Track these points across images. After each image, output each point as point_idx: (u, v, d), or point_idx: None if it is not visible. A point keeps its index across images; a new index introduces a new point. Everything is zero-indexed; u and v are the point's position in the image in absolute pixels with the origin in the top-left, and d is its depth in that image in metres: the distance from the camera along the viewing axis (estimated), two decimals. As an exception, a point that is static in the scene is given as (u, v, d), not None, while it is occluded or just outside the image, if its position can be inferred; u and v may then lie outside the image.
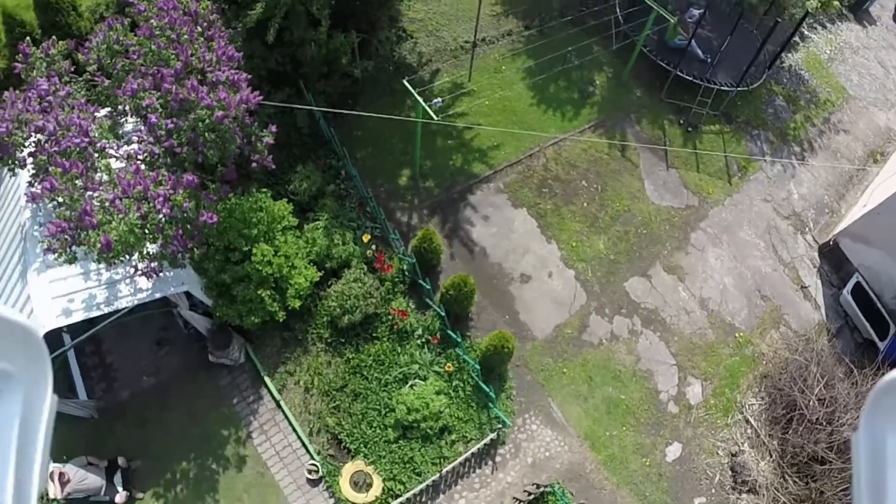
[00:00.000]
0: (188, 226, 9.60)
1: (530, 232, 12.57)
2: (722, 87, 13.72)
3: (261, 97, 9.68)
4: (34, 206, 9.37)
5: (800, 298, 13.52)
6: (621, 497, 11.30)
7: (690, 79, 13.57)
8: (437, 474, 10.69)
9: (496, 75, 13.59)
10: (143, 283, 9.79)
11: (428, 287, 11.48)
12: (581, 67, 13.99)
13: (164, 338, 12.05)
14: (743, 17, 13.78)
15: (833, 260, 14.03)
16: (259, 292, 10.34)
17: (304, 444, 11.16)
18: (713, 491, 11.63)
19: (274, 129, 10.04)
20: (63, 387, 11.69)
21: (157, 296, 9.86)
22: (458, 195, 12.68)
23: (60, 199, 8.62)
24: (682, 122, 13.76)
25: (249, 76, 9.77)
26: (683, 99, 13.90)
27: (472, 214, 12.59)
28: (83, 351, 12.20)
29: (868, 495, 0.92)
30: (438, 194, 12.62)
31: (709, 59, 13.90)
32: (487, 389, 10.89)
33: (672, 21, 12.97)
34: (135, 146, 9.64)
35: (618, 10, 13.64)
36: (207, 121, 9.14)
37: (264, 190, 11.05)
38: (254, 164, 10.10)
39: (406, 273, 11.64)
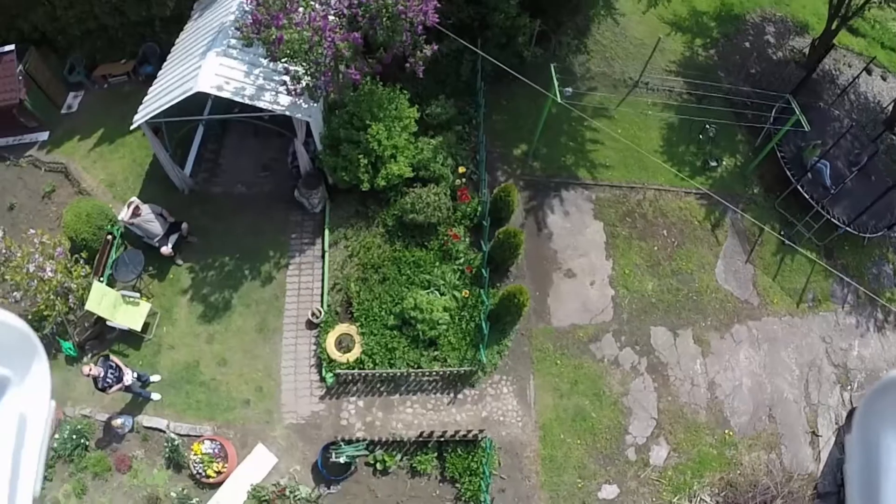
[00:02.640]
0: (339, 74, 11.65)
1: (596, 243, 13.31)
2: (833, 221, 13.73)
3: (437, 19, 11.56)
4: (238, 13, 11.80)
5: (805, 441, 13.33)
6: (537, 497, 11.64)
7: (808, 198, 13.76)
8: (405, 372, 11.71)
9: (640, 115, 14.62)
10: (283, 99, 11.87)
11: (487, 226, 12.59)
12: (715, 142, 14.49)
13: (270, 165, 14.15)
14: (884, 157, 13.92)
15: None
16: (360, 157, 12.12)
17: (322, 293, 12.76)
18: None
19: (435, 47, 11.86)
20: (178, 157, 14.12)
21: (287, 113, 11.90)
22: (554, 184, 13.74)
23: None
24: (782, 232, 13.86)
25: (438, 4, 11.67)
26: (794, 214, 13.91)
27: (557, 204, 13.55)
28: (208, 141, 14.60)
29: (861, 495, 0.92)
30: (539, 175, 13.72)
31: (832, 189, 14.00)
32: (485, 331, 11.79)
33: (814, 144, 13.55)
34: (333, 1, 11.83)
35: (773, 111, 14.34)
36: (391, 9, 11.12)
37: (405, 92, 12.93)
38: (407, 65, 11.96)
39: (476, 213, 12.85)
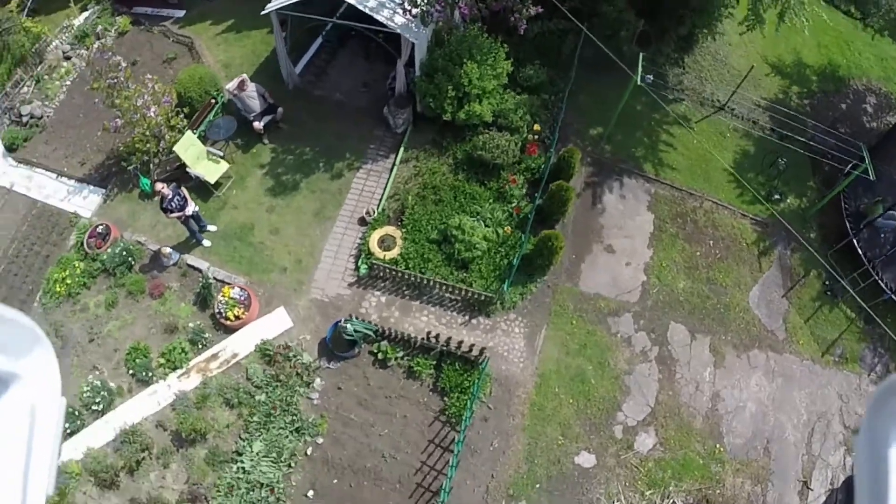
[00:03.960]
0: (452, 7, 12.78)
1: (643, 230, 13.58)
2: (881, 284, 13.47)
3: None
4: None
5: (794, 489, 13.01)
6: (516, 437, 11.81)
7: (861, 254, 13.64)
8: (432, 282, 12.34)
9: (718, 135, 14.99)
10: (398, 19, 13.08)
11: (545, 180, 13.10)
12: (784, 179, 14.56)
13: (370, 84, 15.31)
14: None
15: (848, 497, 13.22)
16: (450, 89, 13.11)
17: (381, 198, 13.64)
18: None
19: (540, 9, 12.76)
20: (293, 57, 15.47)
21: (398, 31, 13.07)
22: (618, 169, 14.14)
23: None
24: (827, 282, 13.80)
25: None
26: (844, 268, 13.73)
27: (616, 186, 13.90)
28: (323, 51, 15.93)
29: (870, 498, 0.91)
30: (607, 157, 14.16)
31: (887, 250, 13.84)
32: (514, 268, 12.38)
33: (878, 200, 13.62)
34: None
35: (849, 165, 14.46)
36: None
37: (505, 47, 13.90)
38: (512, 20, 12.94)
39: (539, 168, 13.39)
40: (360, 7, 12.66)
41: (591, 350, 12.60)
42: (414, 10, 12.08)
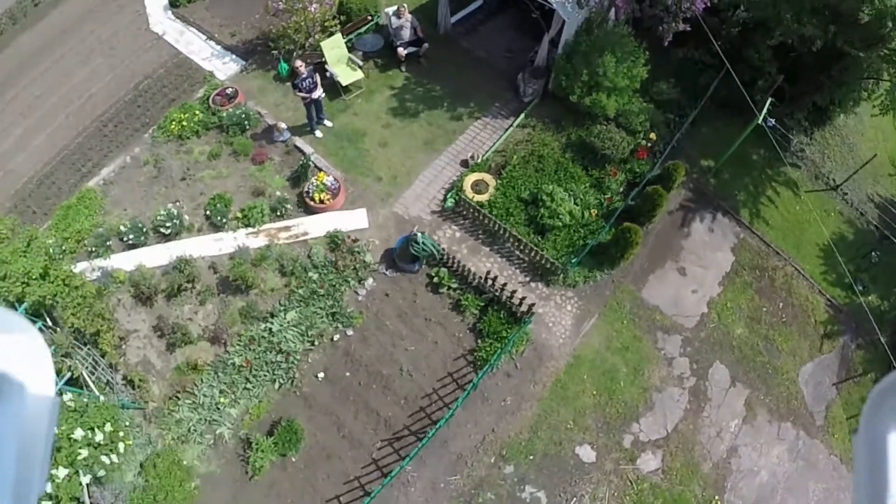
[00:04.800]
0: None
1: (720, 267, 13.41)
2: None
3: (707, 7, 12.67)
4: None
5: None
6: (530, 405, 11.87)
7: None
8: (508, 234, 12.64)
9: (822, 211, 14.38)
10: None
11: (643, 183, 13.25)
12: (874, 274, 14.24)
13: (514, 51, 15.84)
14: None
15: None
16: (584, 73, 13.60)
17: (489, 149, 13.96)
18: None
19: (688, 28, 12.94)
20: (455, 6, 16.04)
21: (554, 6, 13.26)
22: (716, 204, 13.95)
23: None
24: None
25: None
26: None
27: (708, 218, 13.87)
28: (480, 11, 16.57)
29: (868, 497, 0.91)
30: (708, 189, 14.05)
31: None
32: (587, 249, 12.42)
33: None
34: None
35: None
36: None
37: (646, 54, 13.74)
38: (660, 29, 13.26)
39: (643, 173, 13.51)
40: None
41: (631, 354, 12.60)
42: None
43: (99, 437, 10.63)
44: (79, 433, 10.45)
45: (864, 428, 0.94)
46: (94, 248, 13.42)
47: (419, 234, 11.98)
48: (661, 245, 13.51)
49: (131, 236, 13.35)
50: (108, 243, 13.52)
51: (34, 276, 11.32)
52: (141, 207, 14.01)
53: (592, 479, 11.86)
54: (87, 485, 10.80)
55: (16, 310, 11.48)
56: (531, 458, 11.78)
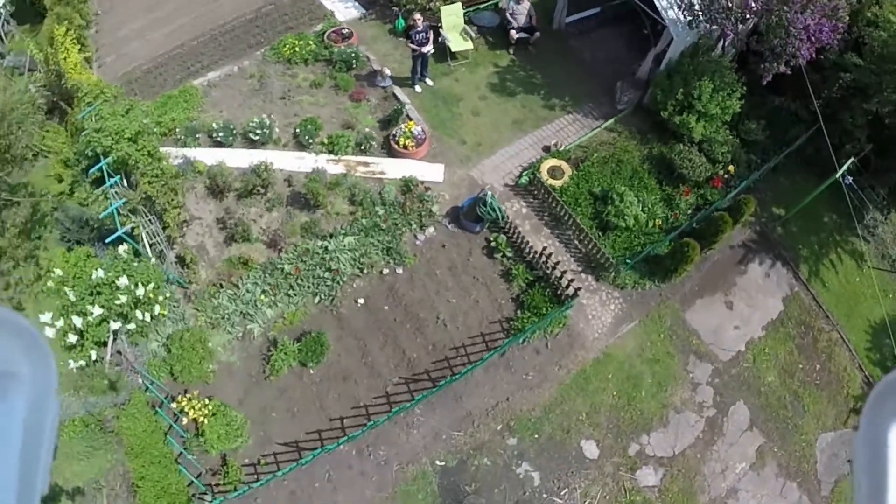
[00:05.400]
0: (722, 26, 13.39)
1: (767, 312, 13.34)
2: None
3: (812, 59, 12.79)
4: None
5: None
6: (549, 386, 12.00)
7: None
8: (571, 220, 12.94)
9: (881, 290, 13.91)
10: (671, 13, 13.74)
11: (710, 209, 13.42)
12: None
13: (617, 61, 15.92)
14: None
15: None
16: (680, 93, 13.83)
17: (573, 142, 14.16)
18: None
19: (789, 71, 12.77)
20: (574, 8, 16.56)
21: (667, 22, 13.53)
22: (777, 252, 13.97)
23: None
24: None
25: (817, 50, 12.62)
26: None
27: (767, 264, 13.81)
28: (595, 18, 16.85)
29: (868, 496, 0.91)
30: (774, 236, 14.00)
31: None
32: (642, 256, 12.58)
33: None
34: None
35: None
36: (784, 16, 12.30)
37: (743, 88, 13.81)
38: (762, 67, 12.86)
39: (714, 201, 13.54)
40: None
41: (660, 368, 12.63)
42: (688, 12, 13.01)
43: (140, 291, 11.13)
44: (123, 281, 10.97)
45: (864, 427, 0.94)
46: (182, 138, 14.16)
47: (489, 196, 12.34)
48: (715, 274, 13.58)
49: (220, 134, 14.04)
50: (196, 136, 14.26)
51: (125, 137, 12.05)
52: (236, 113, 14.74)
53: (589, 475, 11.86)
54: (115, 332, 11.35)
55: (98, 162, 12.25)
56: (536, 436, 11.88)
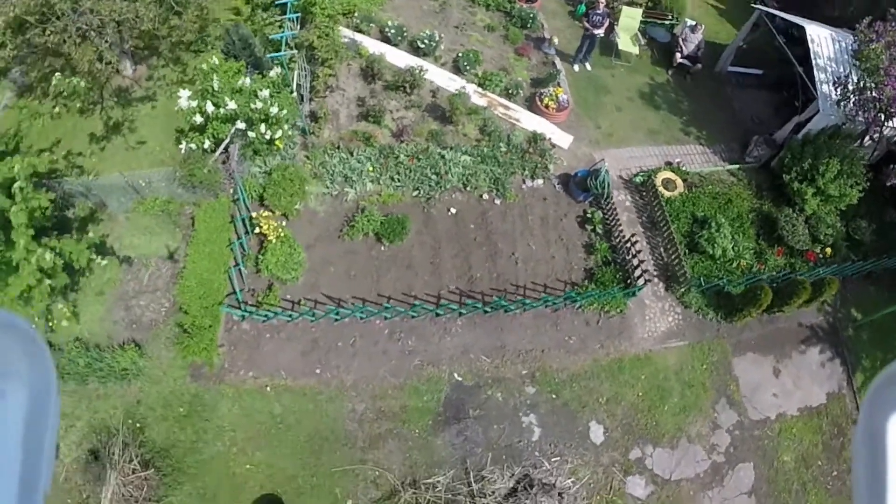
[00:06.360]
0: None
1: (810, 398, 13.30)
2: None
3: None
4: None
5: None
6: (584, 358, 12.33)
7: None
8: (665, 228, 13.34)
9: None
10: (825, 88, 13.96)
11: (793, 277, 13.45)
12: None
13: (762, 121, 16.00)
14: None
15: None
16: (807, 164, 13.62)
17: (695, 170, 14.81)
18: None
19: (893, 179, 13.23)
20: (739, 61, 17.18)
21: (817, 94, 14.04)
22: (841, 350, 13.88)
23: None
24: None
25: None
26: None
27: (827, 354, 13.82)
28: (756, 77, 17.05)
29: (868, 489, 0.92)
30: (844, 332, 14.07)
31: None
32: (715, 285, 12.90)
33: None
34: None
35: None
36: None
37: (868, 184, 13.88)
38: (891, 167, 13.56)
39: (801, 271, 13.74)
40: (813, 60, 14.08)
41: (690, 394, 12.69)
42: (839, 95, 13.38)
43: (274, 110, 11.99)
44: (265, 94, 11.85)
45: (863, 421, 0.94)
46: (357, 23, 15.30)
47: (604, 169, 12.92)
48: (775, 340, 13.62)
49: (391, 32, 15.10)
50: (370, 25, 15.38)
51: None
52: (410, 23, 15.83)
53: (585, 456, 11.93)
54: (233, 135, 12.22)
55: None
56: (553, 397, 12.13)
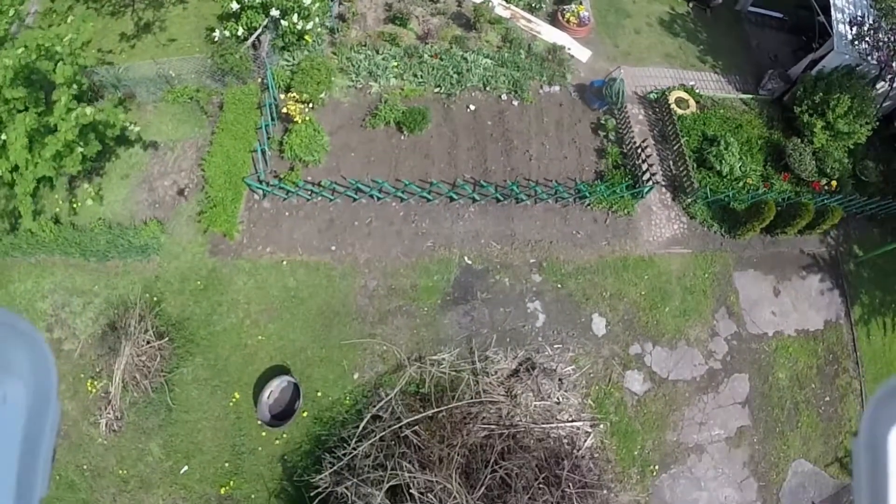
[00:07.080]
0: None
1: (807, 322, 13.56)
2: None
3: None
4: None
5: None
6: (591, 252, 12.69)
7: None
8: (674, 141, 13.54)
9: None
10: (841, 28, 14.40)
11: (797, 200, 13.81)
12: None
13: (778, 58, 16.36)
14: None
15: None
16: (818, 98, 13.94)
17: (708, 94, 15.31)
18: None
19: None
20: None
21: (833, 34, 13.83)
22: (841, 282, 14.15)
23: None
24: None
25: None
26: None
27: (827, 284, 14.07)
28: (775, 20, 17.43)
29: (869, 499, 0.93)
30: (844, 266, 14.22)
31: None
32: (720, 200, 13.28)
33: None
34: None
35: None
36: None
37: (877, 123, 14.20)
38: None
39: (807, 202, 13.69)
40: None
41: (691, 299, 12.73)
42: (860, 33, 13.60)
43: (307, 1, 12.31)
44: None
45: (864, 432, 0.95)
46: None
47: (619, 78, 13.25)
48: (777, 261, 13.85)
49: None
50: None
51: None
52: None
53: (586, 347, 12.10)
54: (266, 26, 12.54)
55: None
56: (559, 286, 12.37)
